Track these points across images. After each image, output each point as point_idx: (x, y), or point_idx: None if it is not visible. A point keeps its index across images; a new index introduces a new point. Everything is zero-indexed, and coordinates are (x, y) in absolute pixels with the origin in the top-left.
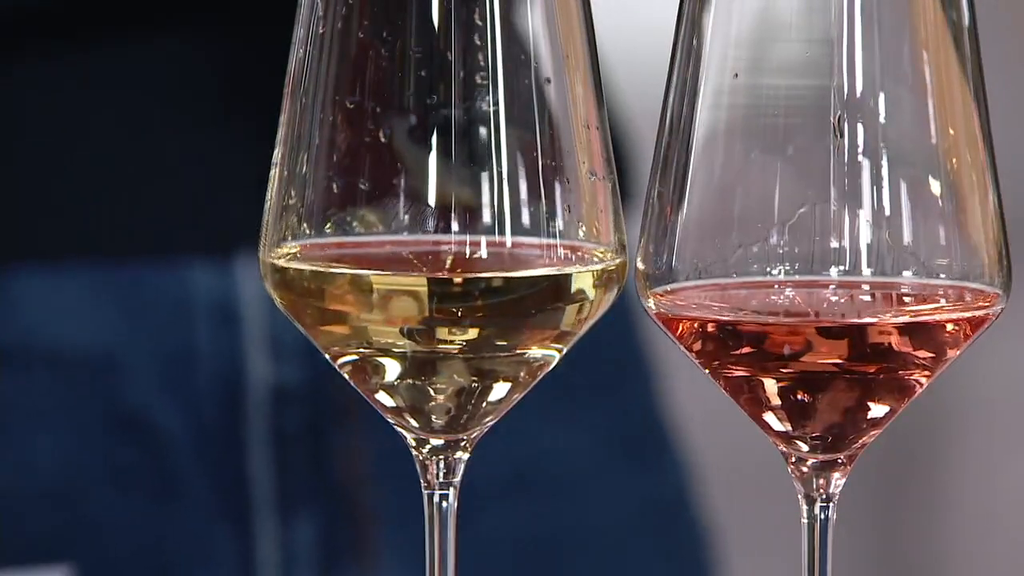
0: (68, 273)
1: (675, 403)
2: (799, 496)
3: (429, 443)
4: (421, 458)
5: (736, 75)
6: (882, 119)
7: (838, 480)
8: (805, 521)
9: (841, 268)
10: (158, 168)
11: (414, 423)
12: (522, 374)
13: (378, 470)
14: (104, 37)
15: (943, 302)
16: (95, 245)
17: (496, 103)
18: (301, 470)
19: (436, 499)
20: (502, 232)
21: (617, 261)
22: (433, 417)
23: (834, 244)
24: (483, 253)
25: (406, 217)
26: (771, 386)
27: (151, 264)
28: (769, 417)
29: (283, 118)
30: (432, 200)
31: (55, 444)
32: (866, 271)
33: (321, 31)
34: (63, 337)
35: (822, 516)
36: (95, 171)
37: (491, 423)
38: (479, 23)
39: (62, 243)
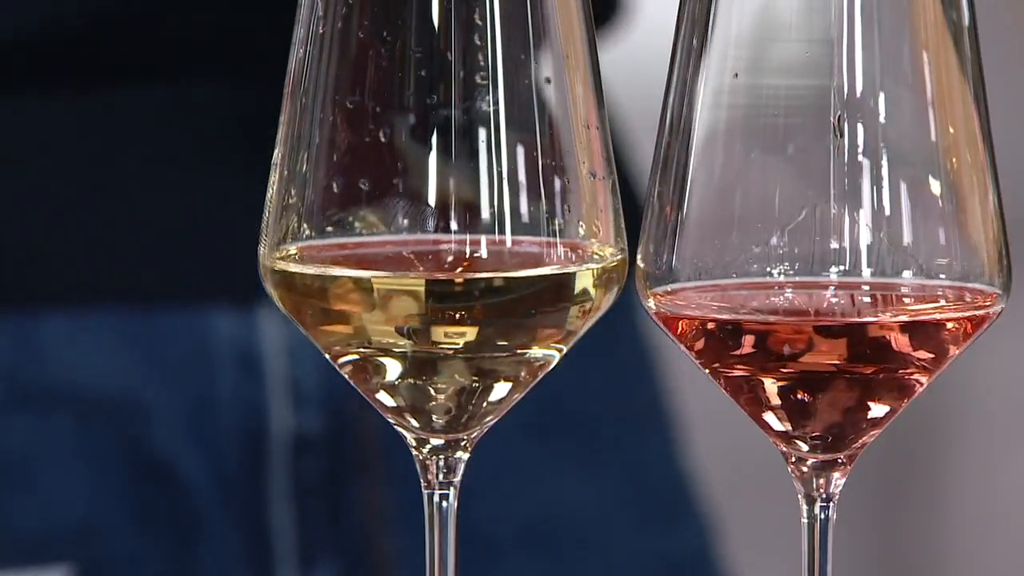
0: (93, 319)
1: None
2: (799, 496)
3: (429, 443)
4: (421, 458)
5: (736, 75)
6: (882, 119)
7: (838, 480)
8: (805, 521)
9: (841, 268)
10: (182, 215)
11: (414, 423)
12: (523, 374)
13: (398, 518)
14: (129, 83)
15: (943, 302)
16: (120, 291)
17: (496, 103)
18: (321, 518)
19: (436, 499)
20: (502, 232)
21: (617, 260)
22: (433, 417)
23: (834, 244)
24: (483, 253)
25: (406, 217)
26: (771, 386)
27: (175, 311)
28: (769, 417)
29: (283, 118)
30: (432, 200)
31: (77, 488)
32: (866, 271)
33: (321, 31)
34: (87, 382)
35: (822, 516)
36: (120, 218)
37: (492, 423)
38: (479, 23)
39: (87, 289)
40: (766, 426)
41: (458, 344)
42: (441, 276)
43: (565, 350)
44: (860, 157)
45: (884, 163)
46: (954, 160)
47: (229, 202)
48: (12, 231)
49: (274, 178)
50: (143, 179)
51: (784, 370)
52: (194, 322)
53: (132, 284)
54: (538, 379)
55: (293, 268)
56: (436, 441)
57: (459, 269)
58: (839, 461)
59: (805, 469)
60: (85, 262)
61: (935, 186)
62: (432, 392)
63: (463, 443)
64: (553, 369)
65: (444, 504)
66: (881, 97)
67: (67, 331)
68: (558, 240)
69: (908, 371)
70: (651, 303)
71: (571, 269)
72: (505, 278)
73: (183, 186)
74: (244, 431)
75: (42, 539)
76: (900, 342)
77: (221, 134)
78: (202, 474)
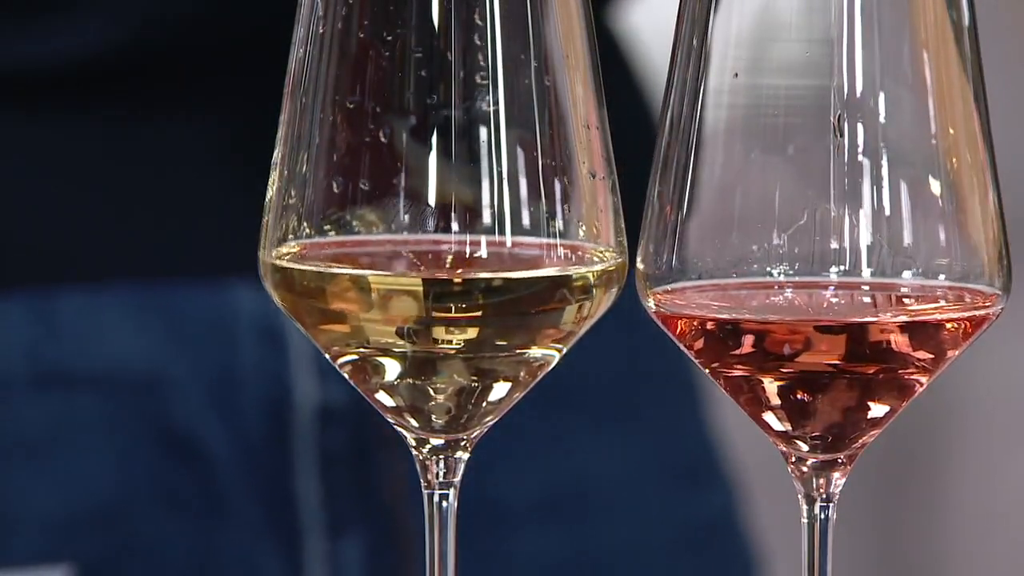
0: (113, 295)
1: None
2: (799, 496)
3: (429, 443)
4: (421, 458)
5: (736, 75)
6: (882, 119)
7: (838, 480)
8: (805, 521)
9: (841, 268)
10: (202, 189)
11: (414, 423)
12: (522, 374)
13: (416, 489)
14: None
15: (943, 302)
16: (140, 267)
17: (496, 103)
18: (347, 489)
19: (436, 499)
20: (502, 232)
21: (617, 261)
22: (433, 417)
23: (834, 244)
24: (483, 253)
25: (406, 217)
26: (771, 386)
27: (196, 285)
28: (769, 417)
29: (283, 118)
30: (432, 200)
31: (102, 465)
32: (866, 271)
33: (321, 31)
34: (109, 359)
35: (822, 516)
36: (139, 193)
37: (491, 422)
38: (479, 23)
39: (107, 265)
40: (766, 426)
41: (458, 344)
42: (441, 276)
43: (565, 350)
44: (860, 157)
45: (884, 163)
46: (954, 160)
47: (250, 173)
48: (30, 209)
49: (274, 178)
50: (163, 154)
51: (784, 370)
52: (216, 295)
53: (152, 258)
54: (538, 379)
55: (293, 267)
56: (436, 441)
57: (459, 269)
58: (839, 461)
59: (805, 469)
60: (104, 237)
61: (935, 186)
62: (432, 392)
63: (463, 443)
64: (553, 368)
65: (444, 504)
66: (881, 97)
67: (87, 308)
68: (558, 240)
69: (908, 371)
70: (651, 303)
71: (571, 269)
72: (505, 278)
73: (204, 160)
74: (268, 404)
75: (68, 516)
76: (900, 342)
77: (240, 124)
78: (227, 448)
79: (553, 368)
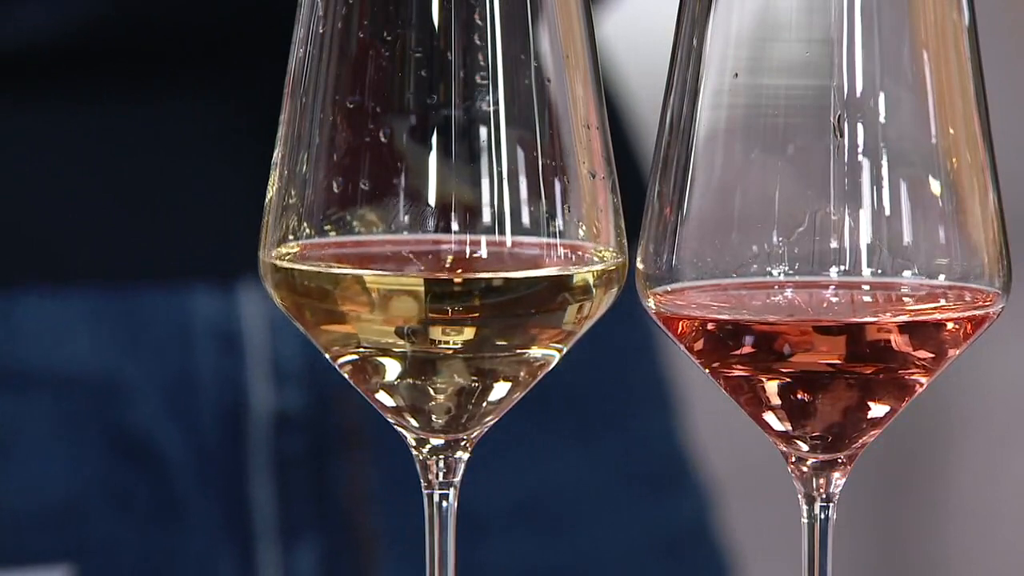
0: (71, 297)
1: (697, 425)
2: (799, 496)
3: (429, 443)
4: (421, 458)
5: (736, 75)
6: (882, 119)
7: (838, 480)
8: (805, 521)
9: (841, 268)
10: (161, 193)
11: (414, 423)
12: (522, 374)
13: (380, 495)
14: (110, 65)
15: (943, 302)
16: (98, 269)
17: (496, 103)
18: (303, 495)
19: (436, 499)
20: (502, 232)
21: (617, 261)
22: (433, 417)
23: (834, 244)
24: (483, 253)
25: (406, 217)
26: (771, 386)
27: (153, 289)
28: (769, 417)
29: (283, 117)
30: (432, 200)
31: (57, 467)
32: (866, 271)
33: (321, 31)
34: (66, 361)
35: (822, 516)
36: (98, 195)
37: (491, 422)
38: (479, 23)
39: (65, 267)
40: (766, 426)
41: (458, 344)
42: (441, 276)
43: (565, 350)
44: (860, 157)
45: (884, 163)
46: (954, 160)
47: (209, 179)
48: None
49: (274, 178)
50: (121, 157)
51: (784, 370)
52: (173, 300)
53: (111, 262)
54: (538, 379)
55: (293, 267)
56: (436, 441)
57: (459, 269)
58: (839, 461)
59: (805, 469)
60: (63, 240)
61: (935, 186)
62: (432, 392)
63: (463, 443)
64: (553, 368)
65: (444, 504)
66: (881, 97)
67: (45, 310)
68: (558, 240)
69: (908, 371)
70: (651, 303)
71: (571, 269)
72: (505, 278)
73: (162, 163)
74: (224, 409)
75: (23, 518)
76: (900, 342)
77: (203, 111)
78: (182, 452)
79: (553, 368)
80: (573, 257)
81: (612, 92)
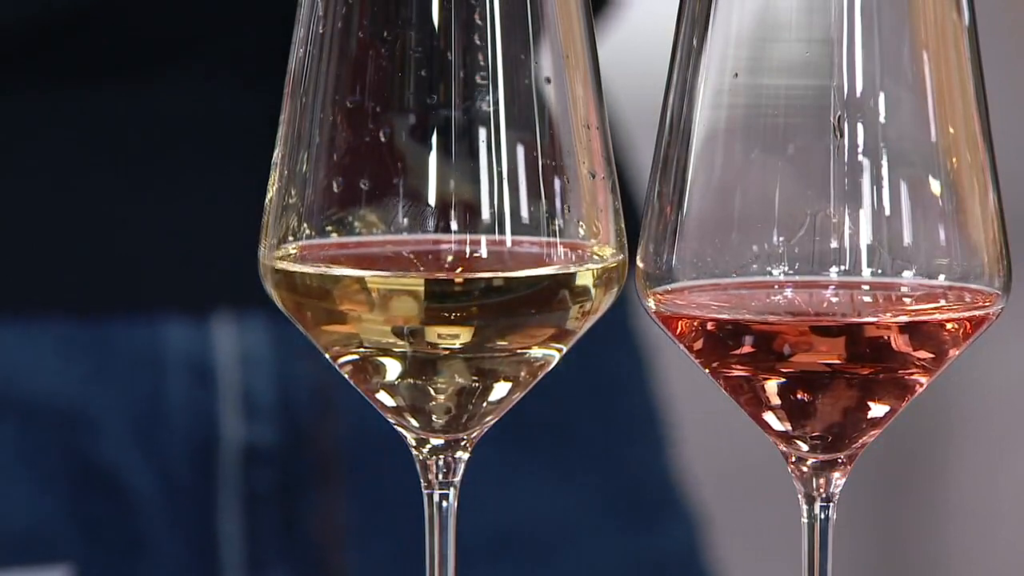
0: (41, 327)
1: (674, 399)
2: (799, 496)
3: (429, 443)
4: (421, 458)
5: (736, 75)
6: (882, 119)
7: (838, 480)
8: (805, 521)
9: (841, 268)
10: (134, 223)
11: (414, 423)
12: (522, 374)
13: (355, 531)
14: (79, 86)
15: (943, 302)
16: (69, 300)
17: (496, 103)
18: (272, 530)
19: (436, 499)
20: (502, 232)
21: (617, 260)
22: (433, 416)
23: (834, 244)
24: (483, 253)
25: (406, 217)
26: (771, 386)
27: (125, 320)
28: (769, 417)
29: (283, 117)
30: (432, 200)
31: (23, 499)
32: (866, 271)
33: (321, 31)
34: (35, 391)
35: (822, 516)
36: (70, 225)
37: (492, 422)
38: (479, 23)
39: (35, 297)
40: (766, 426)
41: (458, 344)
42: (441, 276)
43: (565, 350)
44: (860, 157)
45: (884, 163)
46: (954, 160)
47: (183, 210)
48: None
49: (274, 178)
50: (94, 187)
51: (784, 370)
52: (144, 330)
53: (82, 292)
54: (538, 379)
55: (293, 268)
56: (436, 441)
57: (459, 269)
58: (839, 461)
59: (805, 469)
60: (34, 269)
61: (935, 186)
62: (432, 392)
63: (463, 443)
64: (553, 368)
65: (444, 504)
66: (881, 97)
67: (13, 339)
68: (558, 240)
69: (908, 371)
70: (651, 303)
71: (571, 269)
72: (505, 278)
73: (136, 194)
74: (194, 441)
75: None
76: (900, 342)
77: (175, 141)
78: (150, 484)
79: (553, 367)
80: (573, 257)
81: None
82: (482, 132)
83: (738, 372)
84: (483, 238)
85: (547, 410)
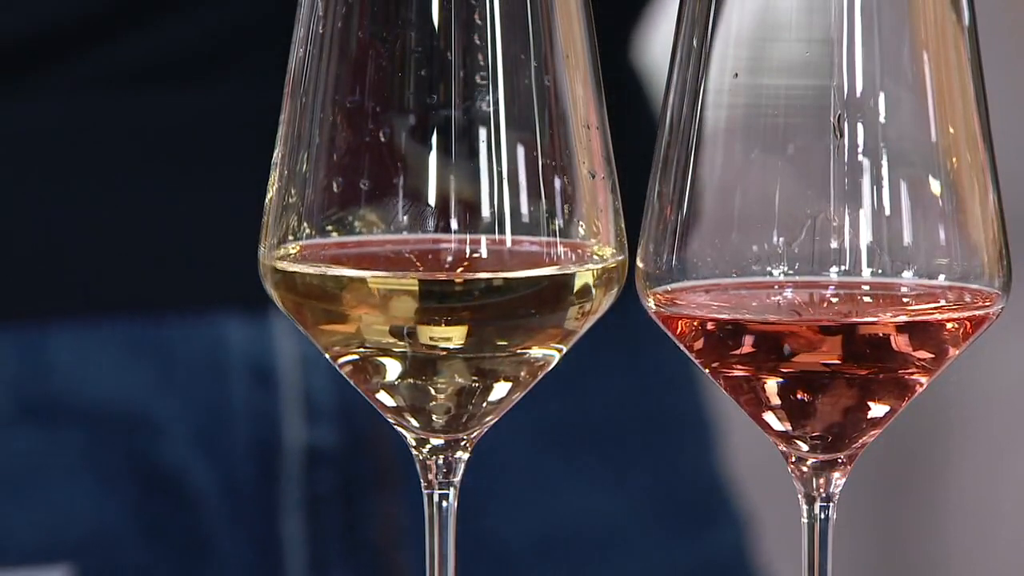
0: (102, 330)
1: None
2: (799, 496)
3: (429, 442)
4: (421, 458)
5: (736, 75)
6: (882, 119)
7: (838, 480)
8: (805, 521)
9: (841, 268)
10: (193, 224)
11: (414, 422)
12: (523, 374)
13: (411, 534)
14: (133, 86)
15: (943, 302)
16: (129, 302)
17: (496, 103)
18: (334, 532)
19: (436, 499)
20: (502, 232)
21: (617, 260)
22: (433, 416)
23: (834, 244)
24: (483, 253)
25: (406, 217)
26: (771, 386)
27: (186, 321)
28: (769, 417)
29: (283, 118)
30: (432, 200)
31: (87, 502)
32: (866, 271)
33: (321, 31)
34: (96, 395)
35: (822, 516)
36: (129, 227)
37: (492, 422)
38: (479, 23)
39: (96, 300)
40: (766, 426)
41: (458, 344)
42: (441, 276)
43: (565, 350)
44: (860, 157)
45: (884, 163)
46: (954, 160)
47: (240, 209)
48: (19, 242)
49: (274, 178)
50: (152, 187)
51: (784, 370)
52: (205, 332)
53: (142, 294)
54: (538, 379)
55: (293, 268)
56: (436, 441)
57: (459, 269)
58: (839, 461)
59: (805, 469)
60: (94, 272)
61: (935, 186)
62: (432, 392)
63: (463, 443)
64: (553, 368)
65: (444, 504)
66: (881, 97)
67: (76, 343)
68: (558, 240)
69: (908, 371)
70: (651, 303)
71: (571, 269)
72: (505, 278)
73: (193, 194)
74: (256, 444)
75: (51, 551)
76: (900, 342)
77: (229, 138)
78: (213, 487)
79: (554, 367)
80: (573, 257)
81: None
82: (482, 132)
83: (738, 372)
84: (483, 238)
85: (593, 412)
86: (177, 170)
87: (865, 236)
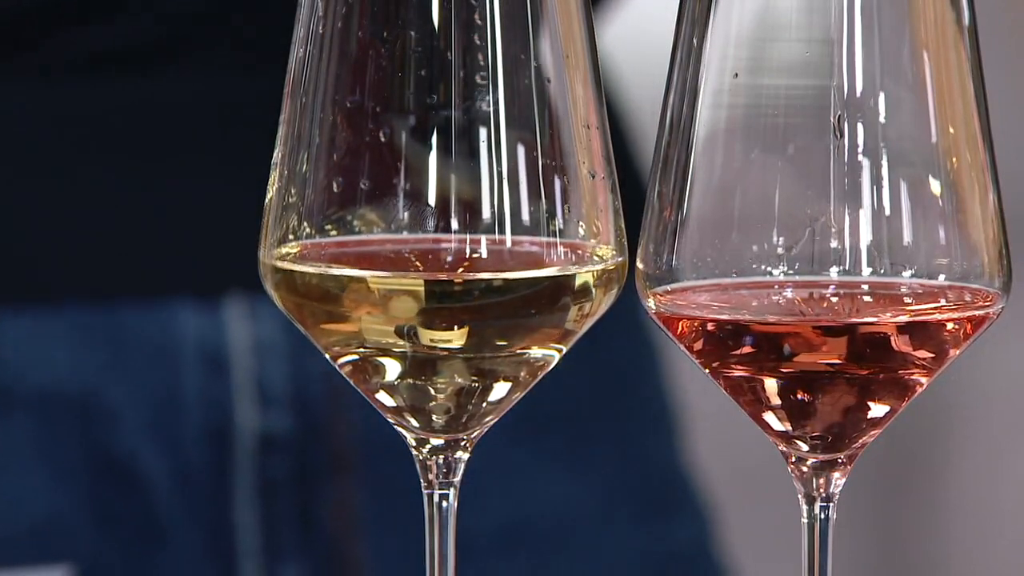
0: (54, 316)
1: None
2: (799, 496)
3: (429, 443)
4: (421, 458)
5: (736, 75)
6: (882, 119)
7: (838, 480)
8: (805, 521)
9: (841, 268)
10: (147, 209)
11: (414, 423)
12: (522, 374)
13: (369, 520)
14: (91, 75)
15: (943, 302)
16: (82, 287)
17: (496, 103)
18: (288, 518)
19: (436, 499)
20: (502, 232)
21: (617, 261)
22: (433, 416)
23: (834, 244)
24: (483, 253)
25: (406, 217)
26: (771, 386)
27: (139, 307)
28: (769, 417)
29: (283, 117)
30: (432, 200)
31: (38, 488)
32: (866, 271)
33: (321, 31)
34: (48, 381)
35: (822, 516)
36: (82, 212)
37: (491, 422)
38: (479, 23)
39: (49, 285)
40: (766, 426)
41: (458, 344)
42: (441, 276)
43: (565, 350)
44: (860, 157)
45: (884, 163)
46: (954, 160)
47: (195, 196)
48: None
49: (274, 178)
50: (107, 173)
51: (784, 370)
52: (158, 318)
53: (94, 281)
54: (538, 379)
55: (293, 268)
56: (436, 441)
57: (459, 269)
58: (839, 461)
59: (805, 469)
60: (46, 258)
61: (935, 186)
62: (432, 392)
63: (463, 443)
64: (553, 368)
65: (444, 504)
66: (881, 97)
67: (26, 330)
68: (558, 240)
69: (908, 371)
70: (651, 303)
71: (571, 269)
72: (505, 278)
73: (148, 180)
74: (209, 430)
75: (3, 538)
76: (900, 342)
77: (185, 126)
78: (165, 473)
79: (552, 368)
80: (573, 257)
81: (612, 92)
82: (482, 132)
83: (738, 372)
84: (483, 238)
85: (558, 402)
86: (131, 157)
87: (865, 236)
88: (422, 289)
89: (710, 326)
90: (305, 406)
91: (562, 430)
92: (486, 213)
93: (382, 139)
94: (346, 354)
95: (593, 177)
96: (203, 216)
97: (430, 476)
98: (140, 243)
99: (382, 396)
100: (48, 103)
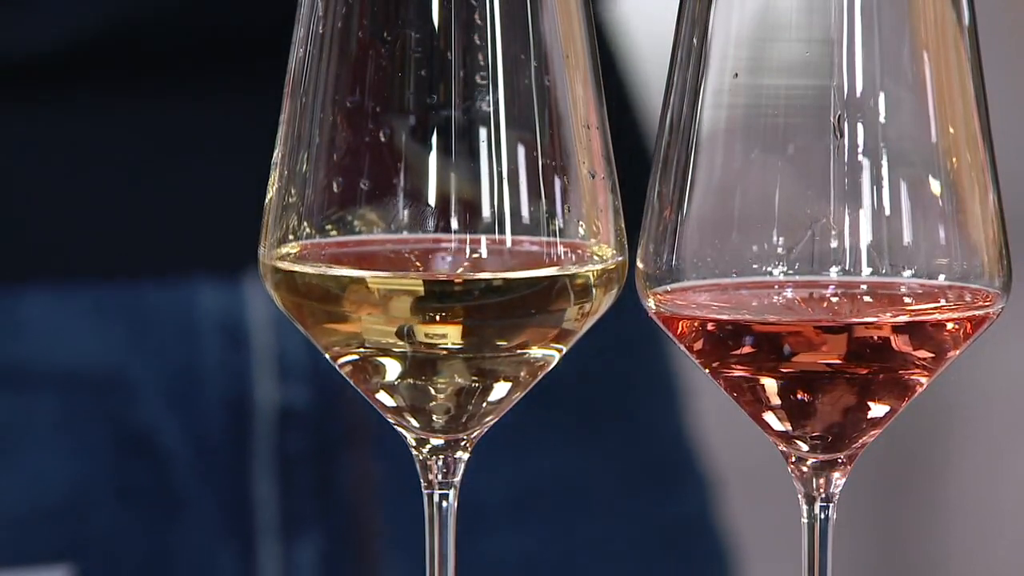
0: (75, 293)
1: (699, 420)
2: (799, 496)
3: (429, 443)
4: (421, 458)
5: (736, 75)
6: (882, 119)
7: (838, 480)
8: (805, 521)
9: (841, 268)
10: (166, 186)
11: (414, 423)
12: (522, 374)
13: (383, 493)
14: (113, 65)
15: (943, 302)
16: (102, 264)
17: (496, 103)
18: (306, 492)
19: (436, 499)
20: (502, 232)
21: (617, 260)
22: (433, 416)
23: (834, 244)
24: (483, 253)
25: (406, 217)
26: (771, 386)
27: (158, 283)
28: (769, 417)
29: (283, 117)
30: (432, 200)
31: (61, 464)
32: (866, 271)
33: (321, 31)
34: (69, 357)
35: (822, 516)
36: (102, 190)
37: (492, 422)
38: (479, 23)
39: (69, 263)
40: (766, 426)
41: (458, 344)
42: (441, 276)
43: (565, 350)
44: (860, 157)
45: (884, 163)
46: (954, 160)
47: (214, 172)
48: None
49: (274, 178)
50: (125, 151)
51: (784, 370)
52: (178, 294)
53: (115, 256)
54: (538, 379)
55: (293, 268)
56: (436, 441)
57: (459, 269)
58: (839, 461)
59: (805, 469)
60: (67, 236)
61: (935, 186)
62: (432, 392)
63: (463, 443)
64: (553, 368)
65: (444, 504)
66: (881, 97)
67: (48, 306)
68: (558, 240)
69: (908, 371)
70: (651, 303)
71: (571, 269)
72: (505, 278)
73: (167, 157)
74: (228, 404)
75: (27, 514)
76: (900, 342)
77: (208, 116)
78: (186, 448)
79: (552, 368)
80: (573, 257)
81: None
82: (482, 132)
83: (738, 372)
84: (483, 238)
85: (562, 373)
86: (151, 133)
87: (865, 236)
88: (422, 289)
89: (710, 326)
90: (324, 380)
91: (564, 401)
92: (486, 213)
93: (382, 139)
94: (346, 354)
95: (593, 177)
96: (223, 193)
97: (430, 476)
98: (160, 220)
99: (382, 396)
100: (71, 88)
